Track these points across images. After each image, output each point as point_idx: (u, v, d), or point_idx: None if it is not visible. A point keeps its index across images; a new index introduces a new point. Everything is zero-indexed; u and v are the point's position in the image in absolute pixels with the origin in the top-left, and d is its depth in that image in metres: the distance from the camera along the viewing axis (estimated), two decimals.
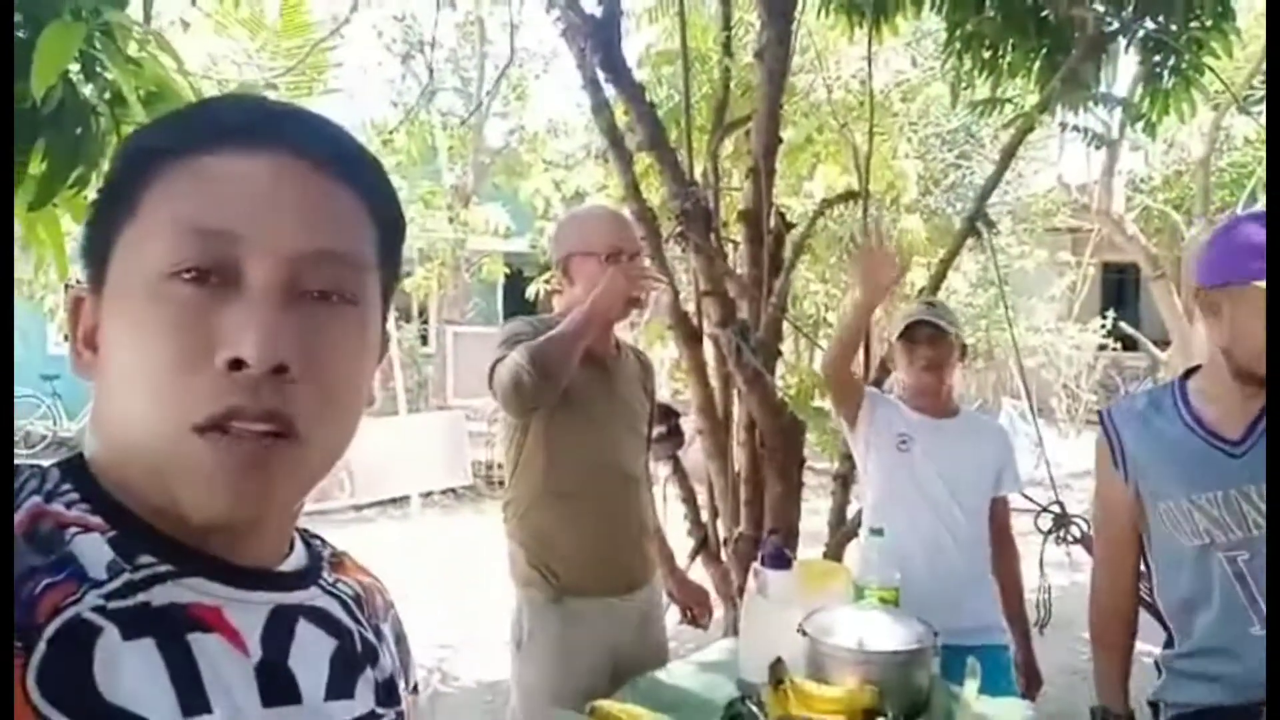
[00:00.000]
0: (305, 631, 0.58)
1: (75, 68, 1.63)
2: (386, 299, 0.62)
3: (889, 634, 1.63)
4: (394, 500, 8.11)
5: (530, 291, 10.46)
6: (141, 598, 0.50)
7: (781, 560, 1.82)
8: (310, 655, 0.57)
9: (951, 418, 2.32)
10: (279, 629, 0.56)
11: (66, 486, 0.53)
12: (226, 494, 0.51)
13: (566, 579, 1.88)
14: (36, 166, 1.61)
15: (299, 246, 0.53)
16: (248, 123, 0.55)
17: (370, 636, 0.63)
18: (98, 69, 1.66)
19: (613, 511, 1.92)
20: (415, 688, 0.70)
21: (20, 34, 1.51)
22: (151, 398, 0.51)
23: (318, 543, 0.66)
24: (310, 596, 0.60)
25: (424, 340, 11.98)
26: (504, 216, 10.87)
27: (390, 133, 7.65)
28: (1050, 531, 2.69)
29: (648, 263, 2.38)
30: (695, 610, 2.23)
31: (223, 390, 0.51)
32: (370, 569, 0.70)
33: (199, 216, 0.52)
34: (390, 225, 0.61)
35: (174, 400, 0.51)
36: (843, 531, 3.10)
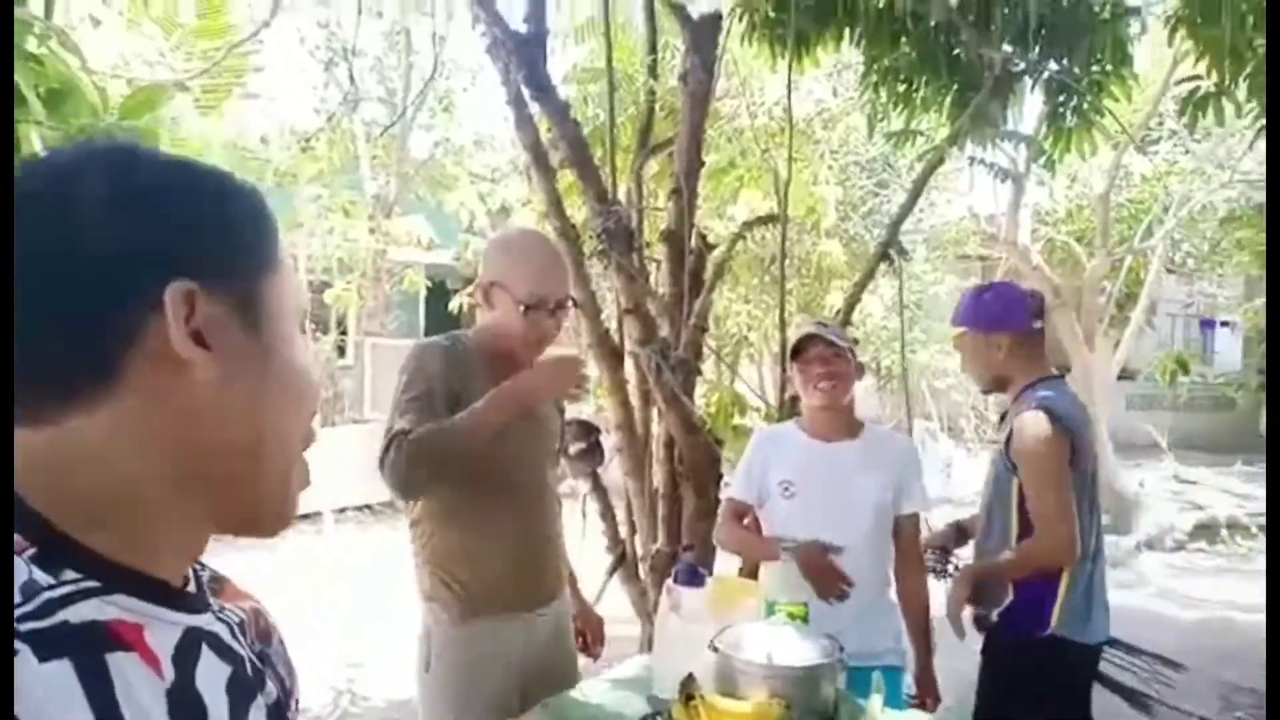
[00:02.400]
0: (207, 656, 0.58)
1: None
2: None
3: (797, 649, 1.66)
4: (306, 516, 7.89)
5: (453, 305, 10.37)
6: (61, 615, 0.49)
7: (694, 577, 1.84)
8: (212, 680, 0.57)
9: (851, 439, 2.29)
10: (187, 652, 0.56)
11: None
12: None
13: (473, 595, 1.84)
14: None
15: None
16: None
17: (257, 662, 0.64)
18: None
19: (520, 525, 1.89)
20: (298, 705, 0.71)
21: None
22: (285, 419, 0.60)
23: (197, 567, 0.65)
24: (208, 621, 0.60)
25: (341, 352, 11.71)
26: (427, 228, 10.75)
27: (308, 139, 7.50)
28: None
29: (581, 350, 2.36)
30: (590, 637, 2.19)
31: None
32: (251, 592, 0.70)
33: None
34: None
35: (302, 424, 0.62)
36: None
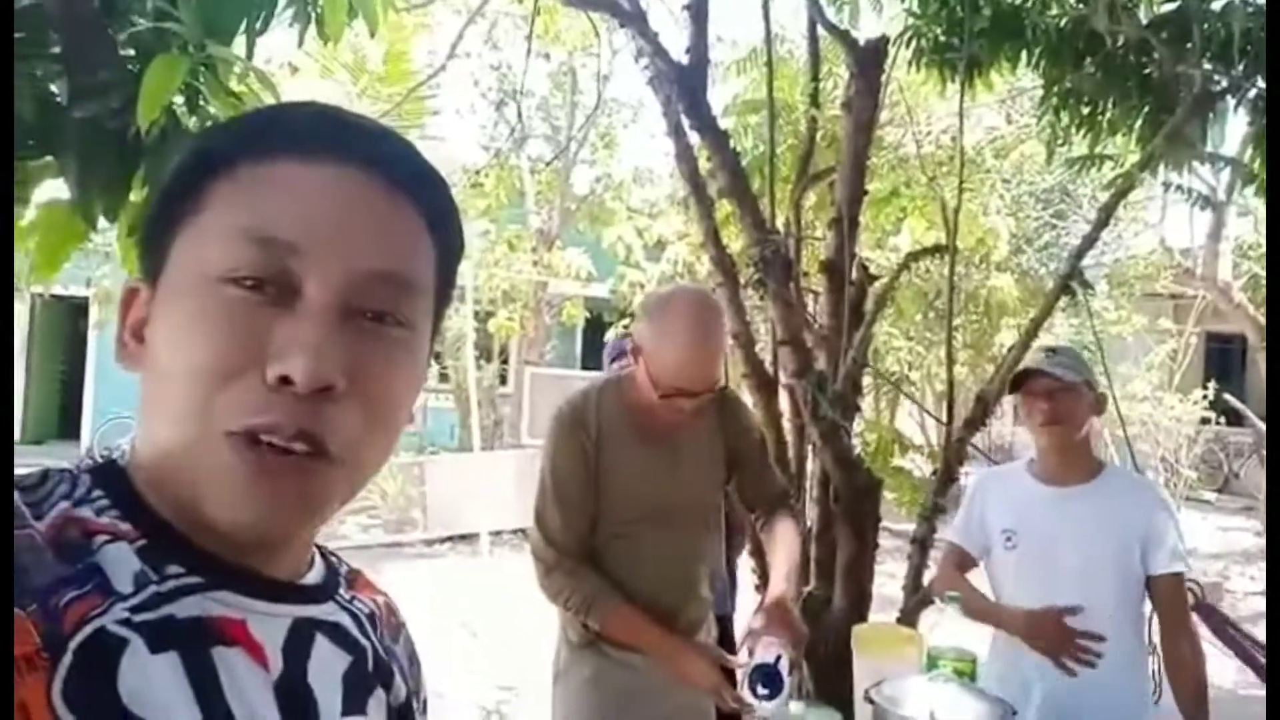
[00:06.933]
0: (322, 646, 0.57)
1: (179, 100, 1.70)
2: (437, 323, 0.61)
3: (963, 709, 1.52)
4: (464, 537, 8.18)
5: (608, 336, 10.56)
6: (167, 610, 0.49)
7: (772, 683, 1.55)
8: (326, 671, 0.57)
9: (1085, 482, 2.04)
10: (299, 643, 0.56)
11: (98, 492, 0.52)
12: (254, 503, 0.51)
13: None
14: (137, 193, 1.67)
15: (359, 265, 0.52)
16: (319, 132, 0.54)
17: (384, 655, 0.63)
18: (200, 101, 1.73)
19: (656, 565, 1.84)
20: (425, 705, 0.69)
21: (131, 67, 1.58)
22: (191, 398, 0.50)
23: (335, 559, 0.65)
24: (328, 611, 0.60)
25: (503, 380, 12.14)
26: (586, 261, 11.03)
27: (477, 173, 7.87)
28: None
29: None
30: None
31: (265, 404, 0.50)
32: (384, 588, 0.69)
33: (262, 224, 0.51)
34: (450, 249, 0.60)
35: (214, 404, 0.50)
36: (917, 598, 2.97)
